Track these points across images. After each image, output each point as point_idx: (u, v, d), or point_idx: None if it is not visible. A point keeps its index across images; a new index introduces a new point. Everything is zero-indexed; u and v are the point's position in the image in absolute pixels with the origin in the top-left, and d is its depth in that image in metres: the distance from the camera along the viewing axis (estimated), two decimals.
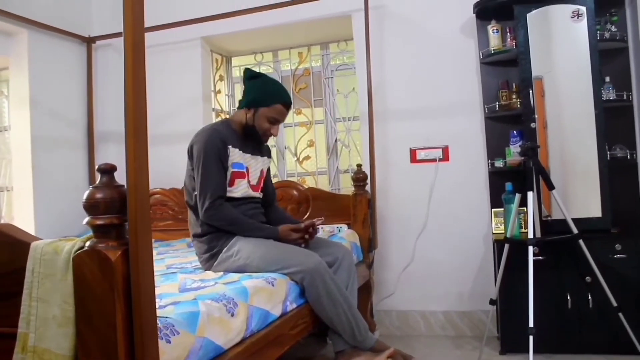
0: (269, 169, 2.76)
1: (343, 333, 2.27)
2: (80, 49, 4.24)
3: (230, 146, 2.41)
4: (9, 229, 1.41)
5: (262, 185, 2.64)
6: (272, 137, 2.57)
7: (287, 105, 2.51)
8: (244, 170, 2.48)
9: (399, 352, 2.28)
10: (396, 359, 2.22)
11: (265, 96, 2.45)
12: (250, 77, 2.55)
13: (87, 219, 1.22)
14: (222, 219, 2.35)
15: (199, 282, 2.11)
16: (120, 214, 1.20)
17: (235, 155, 2.44)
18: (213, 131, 2.41)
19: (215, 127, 2.45)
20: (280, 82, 2.68)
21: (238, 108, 2.56)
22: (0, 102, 4.26)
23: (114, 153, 4.26)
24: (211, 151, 2.34)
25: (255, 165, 2.56)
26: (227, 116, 4.52)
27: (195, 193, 2.40)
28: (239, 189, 2.45)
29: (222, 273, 2.32)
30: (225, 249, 2.36)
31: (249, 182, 2.51)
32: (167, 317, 1.49)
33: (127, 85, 1.14)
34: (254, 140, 2.54)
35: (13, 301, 1.31)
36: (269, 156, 2.75)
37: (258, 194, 2.61)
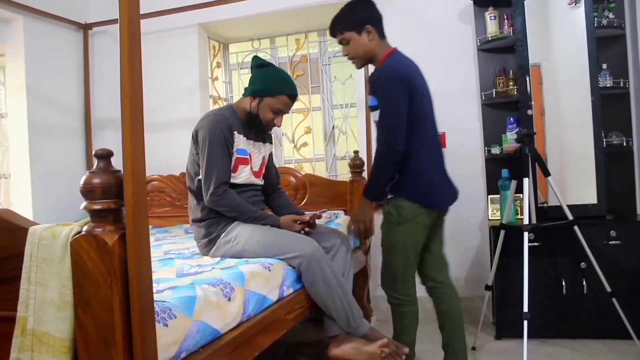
0: (271, 155, 2.76)
1: (337, 319, 2.29)
2: (76, 35, 4.23)
3: (235, 132, 2.41)
4: (6, 214, 1.41)
5: (264, 171, 2.64)
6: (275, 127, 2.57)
7: (293, 97, 2.49)
8: (248, 156, 2.49)
9: (392, 342, 2.29)
10: (389, 348, 2.23)
11: (271, 86, 2.44)
12: (259, 66, 2.53)
13: (84, 203, 1.23)
14: (227, 205, 2.35)
15: (197, 267, 2.13)
16: (117, 199, 1.21)
17: (240, 141, 2.44)
18: (219, 116, 2.40)
19: (221, 113, 2.44)
20: (286, 72, 2.64)
21: (243, 95, 2.55)
22: None
23: (111, 139, 4.26)
24: (217, 136, 2.34)
25: (258, 151, 2.57)
26: (225, 103, 4.52)
27: (199, 177, 2.41)
28: (242, 175, 2.46)
29: (219, 258, 2.34)
30: (224, 234, 2.38)
31: (251, 168, 2.51)
32: (164, 301, 1.50)
33: (122, 72, 1.14)
34: (257, 128, 2.54)
35: (12, 285, 1.32)
36: (271, 142, 2.75)
37: (260, 181, 2.62)
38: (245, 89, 2.54)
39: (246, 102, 2.49)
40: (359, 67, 2.50)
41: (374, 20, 2.36)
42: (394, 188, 2.29)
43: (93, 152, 4.42)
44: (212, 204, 2.35)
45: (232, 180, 2.41)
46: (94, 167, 1.25)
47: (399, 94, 2.21)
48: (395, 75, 2.24)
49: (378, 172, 2.27)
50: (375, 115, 2.34)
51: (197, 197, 2.45)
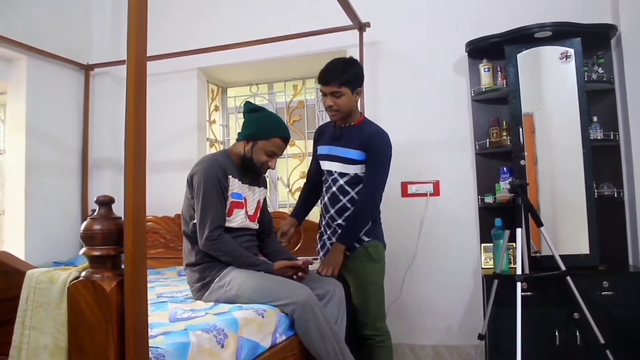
0: (265, 199, 2.78)
1: None
2: (78, 75, 4.29)
3: (230, 176, 2.44)
4: (3, 257, 1.42)
5: (258, 215, 2.66)
6: (270, 169, 2.60)
7: (286, 139, 2.54)
8: (243, 200, 2.50)
9: None
10: None
11: (264, 130, 2.48)
12: (250, 110, 2.58)
13: (84, 249, 1.24)
14: (221, 250, 2.36)
15: (190, 312, 2.12)
16: (117, 246, 1.23)
17: (235, 185, 2.46)
18: (214, 161, 2.43)
19: (216, 158, 2.47)
20: (278, 116, 2.69)
21: (237, 140, 2.59)
22: None
23: (107, 180, 4.27)
24: (212, 181, 2.36)
25: (252, 196, 2.59)
26: (222, 146, 4.56)
27: (194, 222, 2.41)
28: (237, 219, 2.47)
29: (212, 303, 2.32)
30: (218, 278, 2.37)
31: (246, 212, 2.53)
32: (157, 348, 1.50)
33: (128, 121, 1.17)
34: (252, 172, 2.57)
35: (5, 329, 1.32)
36: (265, 187, 2.77)
37: (254, 225, 2.62)
38: (239, 133, 2.58)
39: (240, 147, 2.53)
40: (336, 119, 2.67)
41: (362, 83, 2.66)
42: (368, 233, 2.60)
43: (89, 193, 4.41)
44: (206, 248, 2.35)
45: (227, 224, 2.42)
46: (91, 211, 1.27)
47: (391, 156, 2.63)
48: (389, 139, 2.63)
49: (364, 221, 2.59)
50: (353, 168, 2.60)
51: (192, 242, 2.45)
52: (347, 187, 2.61)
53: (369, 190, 2.57)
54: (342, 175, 2.62)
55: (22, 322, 1.29)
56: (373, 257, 2.60)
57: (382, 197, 2.61)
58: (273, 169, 2.59)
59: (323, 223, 2.74)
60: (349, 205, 2.61)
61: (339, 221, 2.62)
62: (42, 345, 1.26)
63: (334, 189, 2.64)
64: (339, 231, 2.61)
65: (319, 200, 2.83)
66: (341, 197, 2.62)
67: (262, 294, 2.28)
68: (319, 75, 2.61)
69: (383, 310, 2.66)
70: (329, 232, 2.68)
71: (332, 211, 2.65)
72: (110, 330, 1.18)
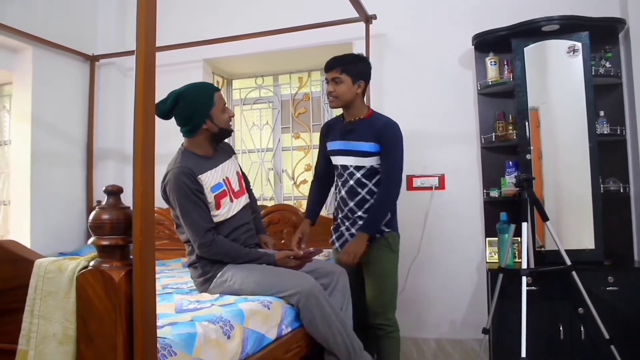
0: (244, 174, 2.76)
1: (338, 353, 2.29)
2: (83, 66, 4.29)
3: (200, 176, 2.37)
4: (12, 246, 1.42)
5: (244, 186, 2.66)
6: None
7: (216, 89, 2.53)
8: (224, 188, 2.47)
9: None
10: None
11: (201, 102, 2.42)
12: (174, 105, 2.43)
13: (92, 238, 1.25)
14: (218, 253, 2.36)
15: (195, 303, 2.13)
16: (125, 235, 1.23)
17: (209, 179, 2.41)
18: (177, 170, 2.35)
19: (180, 166, 2.37)
20: (187, 85, 2.52)
21: (190, 137, 2.51)
22: (2, 116, 4.29)
23: (112, 170, 4.28)
24: (183, 192, 2.32)
25: (229, 170, 2.56)
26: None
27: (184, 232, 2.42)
28: (225, 209, 2.45)
29: (217, 295, 2.33)
30: (220, 274, 2.37)
31: (231, 192, 2.51)
32: (164, 338, 1.50)
33: (137, 112, 1.17)
34: (227, 136, 2.57)
35: (14, 317, 1.32)
36: (234, 152, 2.74)
37: (244, 200, 2.60)
38: (186, 131, 2.50)
39: (201, 135, 2.48)
40: (333, 107, 2.79)
41: (368, 79, 2.76)
42: (387, 224, 2.66)
43: (94, 183, 4.39)
44: (204, 254, 2.36)
45: (220, 219, 2.40)
46: (104, 202, 1.27)
47: (403, 145, 2.68)
48: (400, 128, 2.69)
49: (386, 212, 2.62)
50: (369, 161, 2.63)
51: (190, 245, 2.44)
52: (364, 180, 2.64)
53: (389, 181, 2.59)
54: (358, 168, 2.65)
55: (30, 311, 1.30)
56: (392, 247, 2.66)
57: (401, 184, 2.64)
58: (233, 115, 2.58)
59: (340, 215, 2.74)
60: (367, 197, 2.64)
61: (359, 213, 2.64)
62: (51, 333, 1.27)
63: (352, 182, 2.66)
64: (359, 222, 2.63)
65: (335, 195, 2.85)
66: (359, 190, 2.64)
67: (265, 286, 2.28)
68: (325, 64, 2.67)
69: (395, 301, 2.72)
70: (347, 224, 2.70)
71: (351, 204, 2.66)
72: (119, 320, 1.18)
